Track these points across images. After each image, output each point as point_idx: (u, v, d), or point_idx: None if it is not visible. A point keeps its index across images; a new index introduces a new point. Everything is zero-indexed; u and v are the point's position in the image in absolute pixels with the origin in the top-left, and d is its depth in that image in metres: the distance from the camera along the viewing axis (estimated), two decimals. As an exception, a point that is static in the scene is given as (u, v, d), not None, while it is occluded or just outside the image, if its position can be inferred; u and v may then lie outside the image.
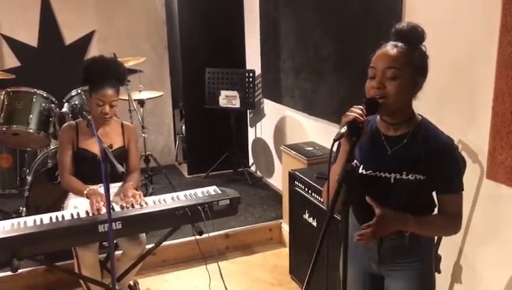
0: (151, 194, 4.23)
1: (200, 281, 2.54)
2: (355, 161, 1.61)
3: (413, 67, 1.50)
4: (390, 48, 1.50)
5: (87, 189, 2.58)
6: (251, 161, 5.24)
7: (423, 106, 2.49)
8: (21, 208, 3.30)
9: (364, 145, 1.61)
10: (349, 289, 1.74)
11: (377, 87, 1.48)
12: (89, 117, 2.51)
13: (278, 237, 3.80)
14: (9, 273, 3.01)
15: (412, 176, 1.52)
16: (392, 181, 1.55)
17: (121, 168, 1.88)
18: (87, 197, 2.54)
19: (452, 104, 2.35)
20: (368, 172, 1.59)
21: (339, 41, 3.25)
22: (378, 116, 1.62)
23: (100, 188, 2.61)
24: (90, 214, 2.39)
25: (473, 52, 2.21)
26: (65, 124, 2.79)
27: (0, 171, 3.65)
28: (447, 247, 2.37)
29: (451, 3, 2.30)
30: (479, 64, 2.17)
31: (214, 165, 4.81)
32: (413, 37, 1.51)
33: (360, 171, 1.60)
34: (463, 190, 1.60)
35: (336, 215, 2.04)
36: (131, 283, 3.04)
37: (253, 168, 5.19)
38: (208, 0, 4.78)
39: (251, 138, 5.19)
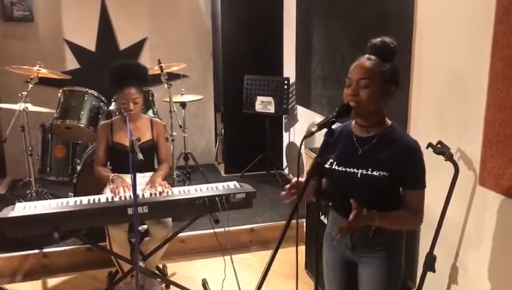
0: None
1: (222, 269, 2.85)
2: (330, 159, 1.84)
3: (384, 78, 1.71)
4: (365, 60, 1.73)
5: (112, 175, 2.92)
6: (285, 163, 5.49)
7: (425, 115, 2.68)
8: (70, 193, 3.73)
9: (338, 145, 1.85)
10: (327, 273, 1.99)
11: (352, 94, 1.71)
12: (125, 114, 2.87)
13: (300, 235, 4.00)
14: (54, 249, 3.47)
15: (376, 172, 1.73)
16: (358, 176, 1.77)
17: (140, 157, 2.19)
18: (112, 182, 2.88)
19: (451, 114, 2.51)
20: (340, 168, 1.82)
21: (360, 52, 3.43)
22: (354, 121, 1.84)
23: (128, 179, 2.93)
24: (116, 199, 2.69)
25: (468, 66, 2.36)
26: (102, 123, 3.17)
27: (55, 161, 4.12)
28: (445, 248, 2.52)
29: (455, 22, 2.46)
30: (473, 77, 2.33)
31: (249, 166, 5.11)
32: (386, 51, 1.73)
33: (333, 167, 1.83)
34: (425, 187, 1.79)
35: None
36: (160, 266, 3.38)
37: (286, 171, 5.43)
38: (250, 12, 5.11)
39: (285, 141, 5.44)
